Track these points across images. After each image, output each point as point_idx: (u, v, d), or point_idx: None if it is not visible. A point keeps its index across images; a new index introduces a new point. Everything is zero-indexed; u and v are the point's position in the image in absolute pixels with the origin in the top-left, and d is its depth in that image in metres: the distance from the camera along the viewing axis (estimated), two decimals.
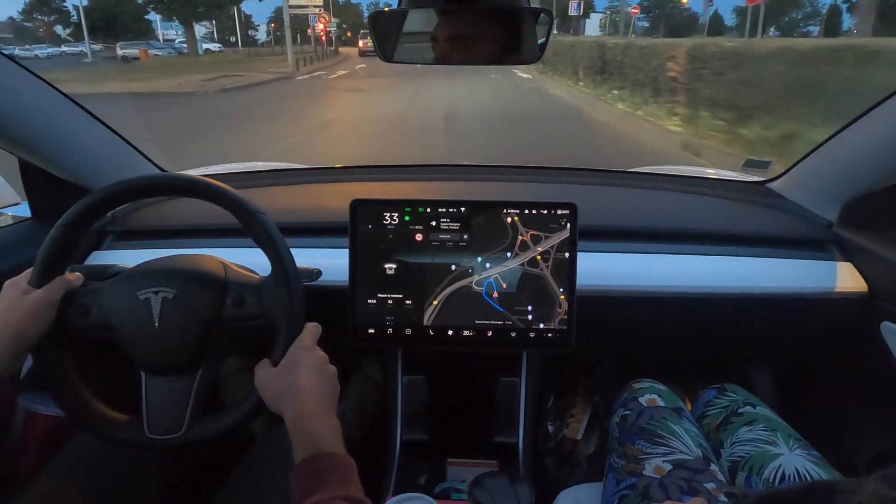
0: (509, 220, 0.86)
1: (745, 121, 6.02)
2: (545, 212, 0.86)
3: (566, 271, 0.86)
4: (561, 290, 0.86)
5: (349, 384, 1.28)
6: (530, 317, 0.87)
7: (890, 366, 0.90)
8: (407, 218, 0.87)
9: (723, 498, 0.66)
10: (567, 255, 0.86)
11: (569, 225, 0.86)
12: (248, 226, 0.69)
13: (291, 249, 0.70)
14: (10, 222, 1.03)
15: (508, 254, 0.86)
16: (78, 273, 0.72)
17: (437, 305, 0.87)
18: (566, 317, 0.86)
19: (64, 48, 34.66)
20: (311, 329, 0.68)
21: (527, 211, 0.86)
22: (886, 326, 0.90)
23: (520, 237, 0.86)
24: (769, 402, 0.87)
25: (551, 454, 1.18)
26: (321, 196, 1.24)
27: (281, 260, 0.68)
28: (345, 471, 0.55)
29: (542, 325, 0.87)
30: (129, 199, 0.74)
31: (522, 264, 0.86)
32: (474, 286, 0.87)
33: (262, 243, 0.69)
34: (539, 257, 0.86)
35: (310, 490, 0.52)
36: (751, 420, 0.81)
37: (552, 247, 0.86)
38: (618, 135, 7.10)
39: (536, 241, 0.86)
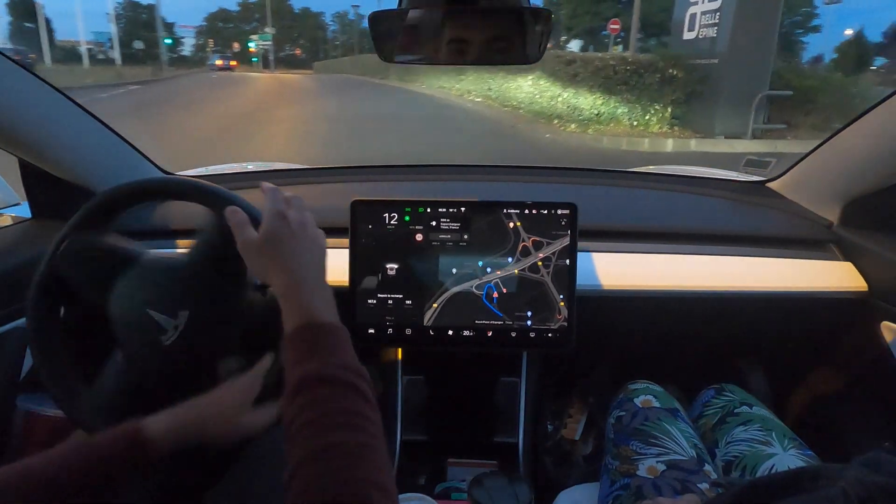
0: (511, 224, 0.86)
1: None
2: (545, 212, 0.86)
3: (566, 278, 0.86)
4: (561, 296, 0.86)
5: None
6: (529, 322, 0.87)
7: (890, 366, 0.90)
8: (407, 218, 0.87)
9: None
10: (567, 262, 0.86)
11: (570, 231, 0.86)
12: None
13: None
14: (10, 222, 1.03)
15: (510, 259, 0.86)
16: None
17: (437, 307, 0.87)
18: (565, 323, 0.87)
19: None
20: (279, 194, 0.60)
21: (527, 212, 0.86)
22: (886, 326, 0.90)
23: (522, 243, 0.86)
24: (767, 402, 0.87)
25: (549, 454, 1.19)
26: (321, 196, 1.24)
27: None
28: (337, 339, 0.51)
29: (541, 327, 0.87)
30: (137, 203, 0.72)
31: (523, 270, 0.86)
32: (474, 289, 0.87)
33: None
34: (540, 263, 0.86)
35: (300, 360, 0.48)
36: (746, 420, 0.81)
37: (553, 253, 0.86)
38: None
39: (538, 247, 0.86)
